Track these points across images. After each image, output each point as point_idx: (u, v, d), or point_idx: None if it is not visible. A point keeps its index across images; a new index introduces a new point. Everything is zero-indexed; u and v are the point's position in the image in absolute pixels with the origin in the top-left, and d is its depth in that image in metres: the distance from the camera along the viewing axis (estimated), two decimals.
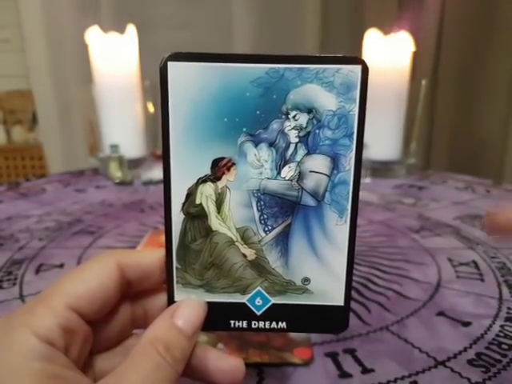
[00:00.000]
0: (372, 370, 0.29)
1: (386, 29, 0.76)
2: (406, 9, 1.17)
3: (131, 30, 0.77)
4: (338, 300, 0.22)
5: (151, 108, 0.81)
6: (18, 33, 1.55)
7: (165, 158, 0.21)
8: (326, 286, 0.22)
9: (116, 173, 0.76)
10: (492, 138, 1.12)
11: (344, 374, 0.29)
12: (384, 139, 0.77)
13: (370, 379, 0.29)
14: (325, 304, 0.22)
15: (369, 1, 1.18)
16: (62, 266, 0.45)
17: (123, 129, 0.79)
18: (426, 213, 0.60)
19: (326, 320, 0.22)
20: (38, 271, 0.44)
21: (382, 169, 0.77)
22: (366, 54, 0.77)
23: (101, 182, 0.77)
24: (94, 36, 0.75)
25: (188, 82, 0.20)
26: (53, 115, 1.27)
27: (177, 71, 0.20)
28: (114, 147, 0.76)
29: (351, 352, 0.31)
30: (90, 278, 0.20)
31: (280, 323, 0.22)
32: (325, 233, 0.21)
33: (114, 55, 0.75)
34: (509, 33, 1.05)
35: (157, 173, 0.77)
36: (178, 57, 0.20)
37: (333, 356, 0.31)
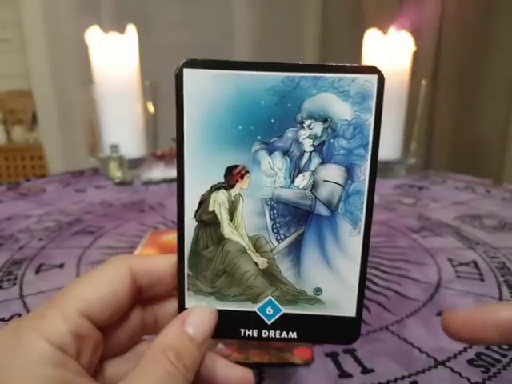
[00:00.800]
0: (372, 370, 0.29)
1: (386, 29, 0.76)
2: (406, 8, 1.17)
3: (131, 29, 0.77)
4: (350, 311, 0.22)
5: (151, 108, 0.81)
6: (18, 33, 1.55)
7: (179, 165, 0.20)
8: (338, 296, 0.22)
9: (116, 173, 0.76)
10: (492, 138, 1.12)
11: (344, 374, 0.29)
12: (384, 139, 0.76)
13: (370, 379, 0.29)
14: (336, 315, 0.22)
15: (369, 1, 1.18)
16: (61, 266, 0.45)
17: (123, 129, 0.79)
18: (426, 213, 0.60)
19: (337, 331, 0.22)
20: (38, 271, 0.44)
21: (382, 169, 0.77)
22: (366, 54, 0.77)
23: (101, 182, 0.77)
24: (93, 36, 0.75)
25: (203, 89, 0.20)
26: (53, 115, 1.27)
27: (192, 78, 0.20)
28: (114, 147, 0.76)
29: (351, 352, 0.31)
30: (102, 284, 0.20)
31: (291, 333, 0.22)
32: (338, 243, 0.21)
33: (114, 55, 0.75)
34: (509, 33, 1.05)
35: (157, 173, 0.77)
36: (194, 64, 0.20)
37: (333, 356, 0.31)
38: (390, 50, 0.74)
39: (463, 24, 1.10)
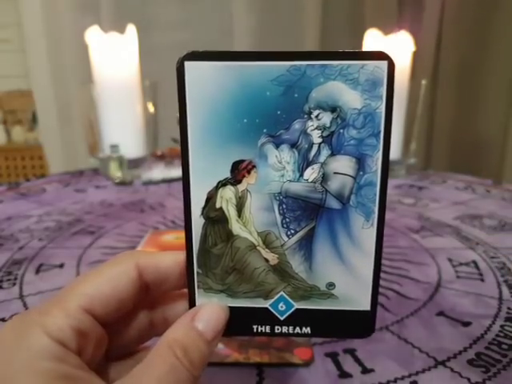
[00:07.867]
0: (372, 370, 0.29)
1: (386, 29, 0.76)
2: (406, 9, 1.17)
3: (131, 30, 0.77)
4: (365, 305, 0.21)
5: (151, 108, 0.81)
6: (18, 33, 1.55)
7: (183, 161, 0.20)
8: (352, 290, 0.21)
9: (116, 173, 0.76)
10: (492, 138, 1.12)
11: (344, 374, 0.29)
12: None
13: (369, 379, 0.29)
14: (350, 309, 0.21)
15: (369, 1, 1.18)
16: (61, 266, 0.45)
17: (123, 129, 0.79)
18: (426, 213, 0.60)
19: (351, 325, 0.21)
20: (38, 271, 0.44)
21: None
22: None
23: (101, 182, 0.77)
24: (93, 36, 0.75)
25: (206, 82, 0.19)
26: (53, 115, 1.27)
27: (194, 71, 0.19)
28: (114, 147, 0.76)
29: (351, 352, 0.31)
30: (106, 280, 0.20)
31: (304, 328, 0.22)
32: (350, 237, 0.20)
33: (114, 55, 0.75)
34: (508, 33, 1.05)
35: (157, 173, 0.77)
36: (195, 56, 0.19)
37: (333, 356, 0.31)
38: (389, 49, 0.74)
39: (463, 24, 1.10)
